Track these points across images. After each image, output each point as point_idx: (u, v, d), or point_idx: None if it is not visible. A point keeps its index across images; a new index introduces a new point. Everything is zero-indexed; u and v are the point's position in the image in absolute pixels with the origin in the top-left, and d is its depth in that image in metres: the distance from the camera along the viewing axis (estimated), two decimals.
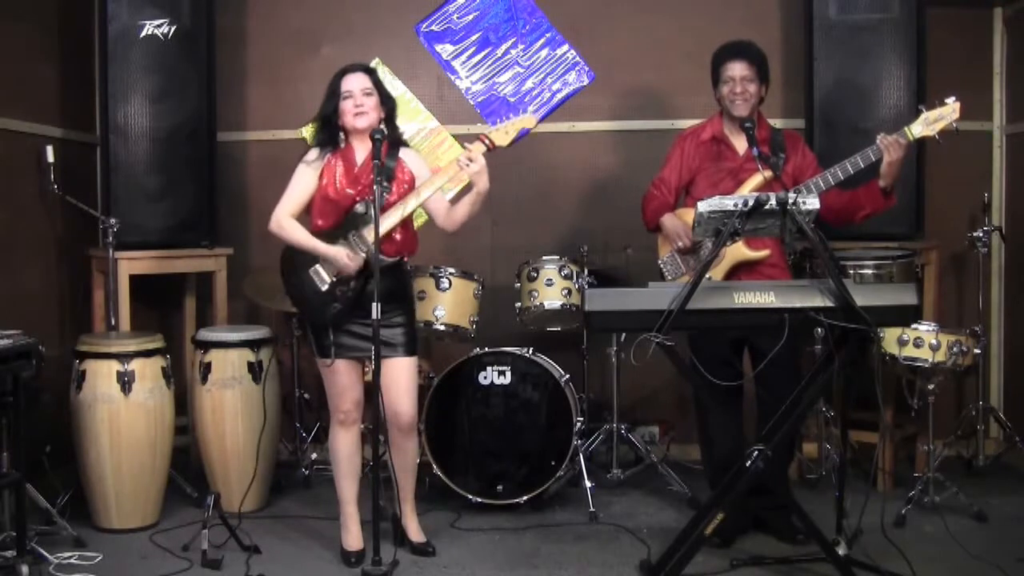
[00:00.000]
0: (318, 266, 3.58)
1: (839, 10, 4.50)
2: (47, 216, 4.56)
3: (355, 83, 3.59)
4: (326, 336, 3.59)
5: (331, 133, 3.65)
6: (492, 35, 5.07)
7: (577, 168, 5.08)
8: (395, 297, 3.64)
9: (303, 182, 3.64)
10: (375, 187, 3.39)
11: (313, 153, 3.66)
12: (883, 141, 3.50)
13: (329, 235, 3.57)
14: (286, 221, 3.61)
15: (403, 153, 3.70)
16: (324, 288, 3.58)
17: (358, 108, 3.56)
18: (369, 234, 3.46)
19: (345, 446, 3.68)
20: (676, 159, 3.91)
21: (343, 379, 3.61)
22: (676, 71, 4.94)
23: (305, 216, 3.67)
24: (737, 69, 3.75)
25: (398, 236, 3.61)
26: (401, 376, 3.62)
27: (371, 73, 3.65)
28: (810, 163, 3.79)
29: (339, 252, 3.52)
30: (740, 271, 3.74)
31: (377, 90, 3.62)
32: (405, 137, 3.83)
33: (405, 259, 3.70)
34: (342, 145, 3.65)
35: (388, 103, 3.66)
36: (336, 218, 3.58)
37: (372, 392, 3.60)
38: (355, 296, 3.51)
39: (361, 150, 3.63)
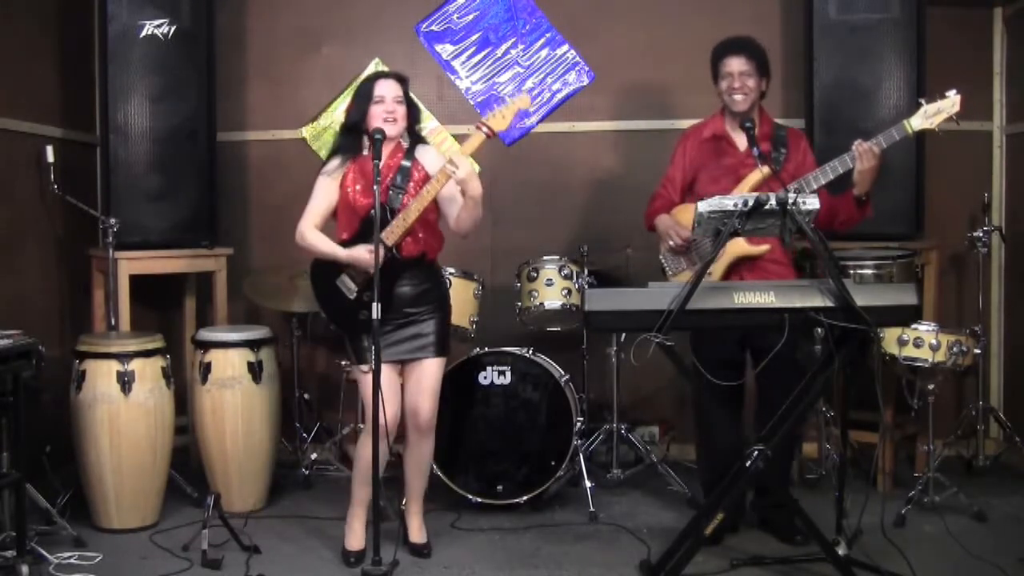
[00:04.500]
0: (344, 276, 3.59)
1: (839, 10, 4.50)
2: (47, 216, 4.56)
3: (388, 89, 3.57)
4: (363, 343, 3.57)
5: (354, 138, 3.64)
6: (492, 35, 5.07)
7: (577, 168, 5.08)
8: (427, 297, 3.63)
9: (323, 194, 3.63)
10: (375, 187, 3.38)
11: (333, 163, 3.65)
12: (858, 148, 3.50)
13: (352, 243, 3.56)
14: (308, 232, 3.60)
15: (420, 152, 3.68)
16: (352, 296, 3.58)
17: (389, 114, 3.55)
18: (388, 236, 3.47)
19: (370, 455, 3.64)
20: (679, 158, 3.92)
21: (382, 384, 3.49)
22: (676, 71, 4.94)
23: (332, 227, 3.66)
24: (735, 64, 3.74)
25: (421, 235, 3.59)
26: (426, 377, 3.62)
27: (404, 83, 3.63)
28: (809, 165, 3.78)
29: (356, 250, 3.51)
30: (741, 267, 3.74)
31: (406, 100, 3.62)
32: (420, 137, 3.79)
33: (430, 257, 3.66)
34: (365, 152, 3.62)
35: (414, 112, 3.66)
36: (355, 226, 3.57)
37: (402, 400, 3.63)
38: (383, 301, 3.44)
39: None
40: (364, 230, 3.53)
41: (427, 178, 3.61)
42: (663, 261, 3.92)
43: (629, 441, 4.61)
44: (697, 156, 3.87)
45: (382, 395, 3.38)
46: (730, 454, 3.59)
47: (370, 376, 3.52)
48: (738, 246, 3.68)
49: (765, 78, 3.80)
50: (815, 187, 3.54)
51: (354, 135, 3.64)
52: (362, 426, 3.87)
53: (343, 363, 4.44)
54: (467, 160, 3.43)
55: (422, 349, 3.61)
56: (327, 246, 3.59)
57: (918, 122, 3.49)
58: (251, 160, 5.19)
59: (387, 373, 3.54)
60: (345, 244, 3.58)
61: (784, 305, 3.14)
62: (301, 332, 4.80)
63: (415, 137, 3.70)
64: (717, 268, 3.72)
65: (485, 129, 3.52)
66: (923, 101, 3.52)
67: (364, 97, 3.59)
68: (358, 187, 3.59)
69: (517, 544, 3.85)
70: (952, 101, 3.47)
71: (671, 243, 3.79)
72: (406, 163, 3.62)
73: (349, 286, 3.59)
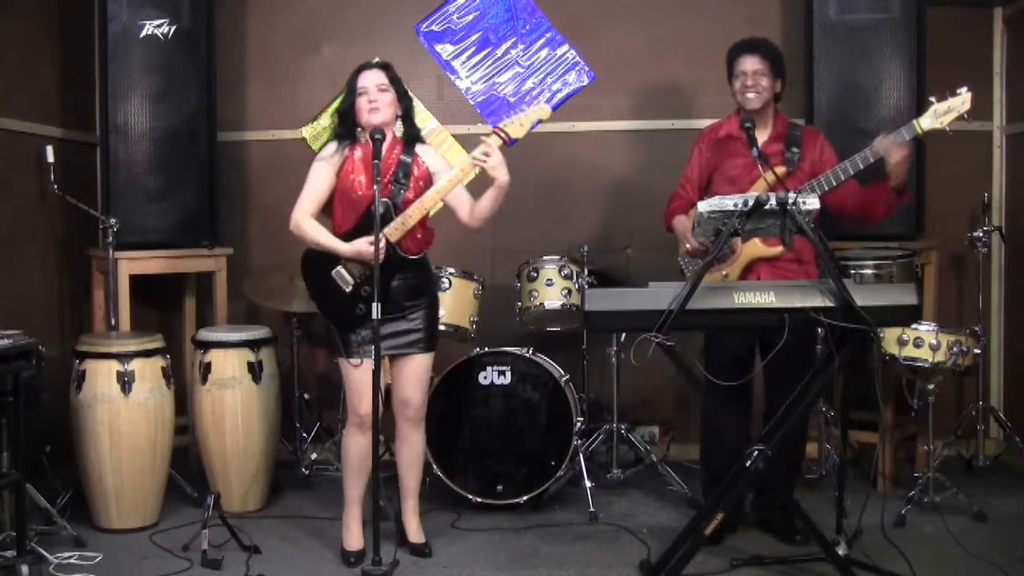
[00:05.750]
0: (340, 268, 3.57)
1: (839, 10, 4.51)
2: (47, 216, 4.56)
3: (370, 79, 3.57)
4: (354, 336, 3.56)
5: (348, 129, 3.63)
6: (492, 35, 5.07)
7: (577, 168, 5.08)
8: (420, 292, 3.64)
9: (320, 179, 3.61)
10: (375, 187, 3.38)
11: (330, 148, 3.63)
12: (881, 145, 3.50)
13: (350, 236, 3.55)
14: (305, 222, 3.57)
15: (419, 149, 3.67)
16: (348, 289, 3.57)
17: (372, 104, 3.54)
18: (392, 232, 3.47)
19: (358, 449, 3.65)
20: (696, 157, 3.93)
21: (366, 379, 3.51)
22: (677, 71, 4.94)
23: (323, 217, 3.64)
24: (749, 63, 3.75)
25: (419, 233, 3.60)
26: (416, 370, 3.64)
27: (387, 69, 3.63)
28: (828, 160, 3.76)
29: (357, 244, 3.49)
30: (758, 267, 3.73)
31: (394, 86, 3.60)
32: (416, 127, 3.77)
33: (425, 252, 3.68)
34: (361, 139, 3.62)
35: (405, 100, 3.65)
36: (356, 218, 3.56)
37: (387, 394, 3.62)
38: (381, 295, 3.43)
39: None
40: (365, 224, 3.52)
41: (428, 174, 3.62)
42: (681, 263, 3.92)
43: (629, 441, 4.61)
44: (713, 156, 3.87)
45: (378, 392, 3.39)
46: (733, 454, 3.59)
47: (357, 370, 3.55)
48: (754, 247, 3.68)
49: (780, 78, 3.81)
50: (827, 188, 3.54)
51: (347, 126, 3.64)
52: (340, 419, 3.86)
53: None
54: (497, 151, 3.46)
55: (412, 344, 3.62)
56: (325, 238, 3.56)
57: (928, 122, 3.47)
58: (251, 160, 5.19)
59: (372, 366, 3.55)
60: (343, 237, 3.56)
61: (784, 305, 3.14)
62: (301, 332, 4.80)
63: (412, 131, 3.69)
64: (734, 269, 3.72)
65: (503, 134, 3.51)
66: (933, 100, 3.48)
67: (350, 91, 3.61)
68: (361, 178, 3.57)
69: (517, 544, 3.85)
70: (963, 99, 3.44)
71: (688, 246, 3.79)
72: (406, 158, 3.61)
73: (345, 278, 3.57)
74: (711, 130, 3.94)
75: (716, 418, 3.82)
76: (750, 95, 3.74)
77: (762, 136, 3.73)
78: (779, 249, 3.68)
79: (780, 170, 3.62)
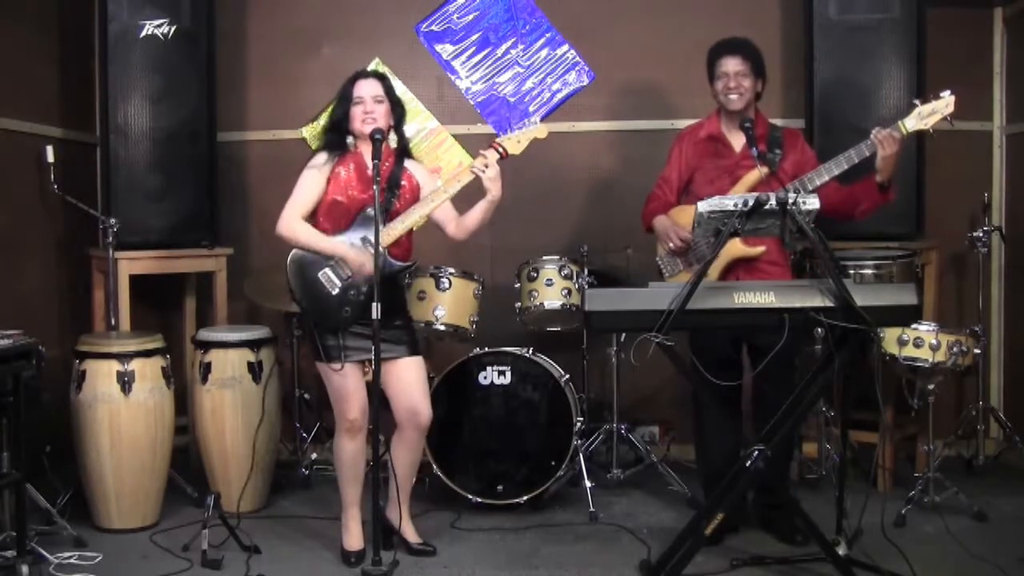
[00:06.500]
0: (328, 270, 3.56)
1: (839, 10, 4.51)
2: (47, 216, 4.56)
3: (367, 89, 3.58)
4: (334, 340, 3.56)
5: (339, 137, 3.64)
6: (492, 35, 5.07)
7: (577, 168, 5.08)
8: (397, 300, 3.66)
9: (310, 186, 3.61)
10: (375, 186, 3.39)
11: (321, 157, 3.63)
12: (877, 136, 3.51)
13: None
14: (298, 224, 3.57)
15: (409, 164, 3.70)
16: (335, 292, 3.56)
17: (367, 115, 3.55)
18: (389, 235, 3.49)
19: (350, 453, 3.66)
20: (675, 158, 3.93)
21: (350, 383, 3.57)
22: (676, 71, 4.94)
23: (309, 220, 3.64)
24: (731, 64, 3.76)
25: (404, 242, 3.62)
26: (412, 374, 3.63)
27: (383, 79, 3.65)
28: (810, 159, 3.80)
29: (352, 251, 3.51)
30: (738, 268, 3.74)
31: (388, 97, 3.61)
32: (406, 138, 3.80)
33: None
34: (352, 148, 3.63)
35: (398, 110, 3.66)
36: (345, 222, 3.56)
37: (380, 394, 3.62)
38: (367, 299, 3.46)
39: (370, 155, 3.60)
40: (356, 227, 3.54)
41: (416, 188, 3.65)
42: (660, 263, 3.93)
43: (629, 441, 4.61)
44: (693, 157, 3.88)
45: (377, 393, 3.39)
46: (728, 454, 3.60)
47: (340, 375, 3.56)
48: (734, 247, 3.68)
49: (761, 79, 3.81)
50: (836, 173, 3.55)
51: (338, 133, 3.64)
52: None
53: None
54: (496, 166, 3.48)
55: (397, 343, 3.61)
56: (319, 239, 3.56)
57: (912, 123, 3.50)
58: (251, 160, 5.19)
59: (355, 371, 3.58)
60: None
61: (784, 305, 3.14)
62: (301, 332, 4.79)
63: (403, 142, 3.71)
64: (713, 269, 3.72)
65: (500, 150, 3.53)
66: (918, 102, 3.53)
67: (344, 98, 3.61)
68: (352, 183, 3.58)
69: (517, 544, 3.85)
70: (946, 101, 3.47)
71: (670, 245, 3.80)
72: (397, 170, 3.64)
73: (332, 280, 3.56)
74: (691, 131, 3.96)
75: (710, 418, 3.83)
76: (733, 96, 3.75)
77: (743, 137, 3.72)
78: (760, 249, 3.70)
79: (764, 171, 3.63)
